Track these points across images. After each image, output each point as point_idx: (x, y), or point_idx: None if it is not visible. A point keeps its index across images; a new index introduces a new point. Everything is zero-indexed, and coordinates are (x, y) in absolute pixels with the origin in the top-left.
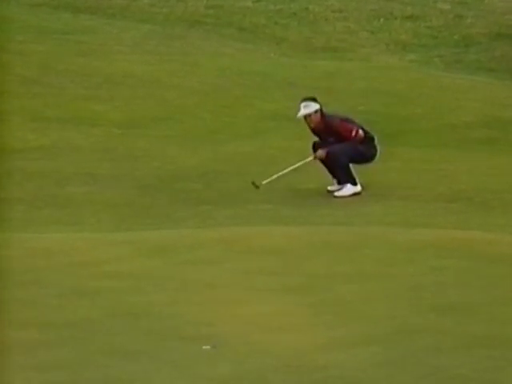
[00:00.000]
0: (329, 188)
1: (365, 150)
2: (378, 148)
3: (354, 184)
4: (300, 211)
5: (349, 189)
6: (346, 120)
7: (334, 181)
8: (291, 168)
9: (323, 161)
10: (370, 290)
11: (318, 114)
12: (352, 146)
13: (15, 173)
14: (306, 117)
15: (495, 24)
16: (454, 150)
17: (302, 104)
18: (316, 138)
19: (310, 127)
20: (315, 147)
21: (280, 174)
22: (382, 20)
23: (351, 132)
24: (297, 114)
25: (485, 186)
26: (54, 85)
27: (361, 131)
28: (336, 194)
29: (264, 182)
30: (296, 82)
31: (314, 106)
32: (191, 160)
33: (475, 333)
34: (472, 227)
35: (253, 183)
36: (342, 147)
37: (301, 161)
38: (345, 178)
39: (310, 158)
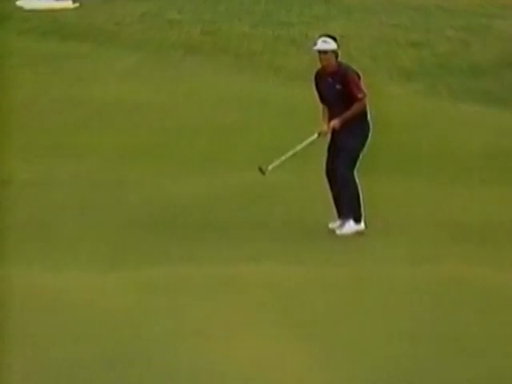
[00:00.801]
0: (330, 226)
1: (361, 137)
2: (370, 123)
3: (358, 221)
4: (300, 248)
5: (351, 227)
6: (360, 78)
7: (338, 220)
8: (296, 149)
9: (331, 184)
10: (372, 329)
11: (334, 56)
12: (352, 147)
13: (2, 204)
14: (322, 52)
15: (503, 51)
16: (460, 181)
17: (321, 39)
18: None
19: (322, 65)
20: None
21: (284, 157)
22: (384, 47)
23: (360, 92)
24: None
25: (492, 219)
26: (43, 113)
27: (366, 99)
28: (338, 232)
29: (270, 167)
30: (295, 110)
31: (333, 45)
32: (186, 191)
33: (482, 373)
34: (479, 262)
35: (259, 169)
36: (347, 159)
37: (305, 140)
38: (349, 211)
39: (315, 136)
